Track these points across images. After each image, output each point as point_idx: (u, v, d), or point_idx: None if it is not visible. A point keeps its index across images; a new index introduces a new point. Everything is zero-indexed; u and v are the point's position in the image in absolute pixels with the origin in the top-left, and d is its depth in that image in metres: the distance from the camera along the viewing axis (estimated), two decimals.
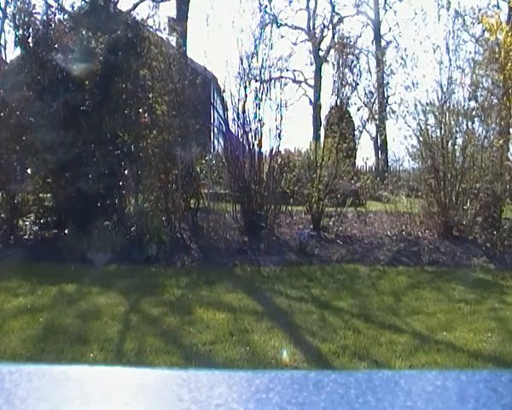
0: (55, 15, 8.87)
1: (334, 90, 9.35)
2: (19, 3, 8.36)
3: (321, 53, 25.41)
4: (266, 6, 9.21)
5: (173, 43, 9.50)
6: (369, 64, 18.52)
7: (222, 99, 9.56)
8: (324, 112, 14.73)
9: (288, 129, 9.15)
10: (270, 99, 8.57)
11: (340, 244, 8.05)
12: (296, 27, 28.61)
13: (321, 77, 25.04)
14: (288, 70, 8.49)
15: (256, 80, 8.65)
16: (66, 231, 7.62)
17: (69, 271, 6.52)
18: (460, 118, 8.67)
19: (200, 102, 8.97)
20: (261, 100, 8.51)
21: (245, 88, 8.54)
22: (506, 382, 0.83)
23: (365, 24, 27.37)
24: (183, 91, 8.55)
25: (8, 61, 12.67)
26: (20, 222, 8.27)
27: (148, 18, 9.34)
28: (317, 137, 16.29)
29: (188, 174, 8.55)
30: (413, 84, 8.82)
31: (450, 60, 8.61)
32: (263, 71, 8.64)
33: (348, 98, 9.41)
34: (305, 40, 28.23)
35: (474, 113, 8.76)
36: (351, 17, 28.75)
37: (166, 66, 8.67)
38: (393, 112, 9.34)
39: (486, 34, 9.00)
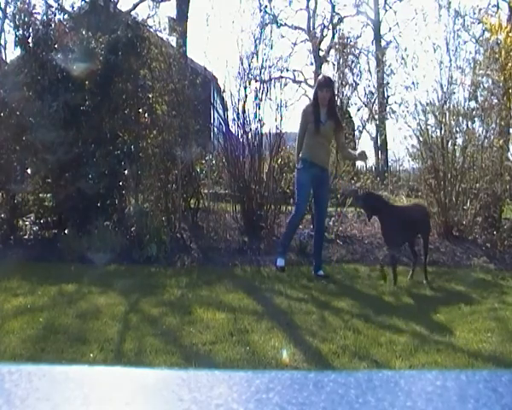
0: (55, 15, 8.86)
1: None
2: (19, 3, 8.35)
3: (321, 53, 25.40)
4: (266, 6, 9.21)
5: (173, 43, 9.49)
6: (369, 64, 18.56)
7: (222, 99, 9.56)
8: None
9: (288, 129, 9.17)
10: (270, 99, 8.57)
11: (340, 244, 8.05)
12: (296, 27, 28.68)
13: None
14: (288, 70, 8.50)
15: (256, 80, 8.65)
16: (66, 231, 7.61)
17: (69, 271, 6.52)
18: (460, 118, 8.66)
19: (200, 102, 8.96)
20: (261, 100, 8.51)
21: (245, 88, 8.54)
22: (506, 382, 0.83)
23: (365, 24, 27.43)
24: (183, 91, 8.54)
25: (8, 61, 12.67)
26: (20, 222, 8.26)
27: (148, 18, 9.35)
28: None
29: (188, 174, 8.54)
30: (413, 84, 8.82)
31: (450, 60, 8.60)
32: (263, 71, 8.64)
33: (348, 98, 9.41)
34: (305, 40, 28.29)
35: (474, 113, 8.76)
36: (351, 17, 28.85)
37: (166, 66, 8.66)
38: (393, 112, 9.35)
39: (487, 34, 8.99)
